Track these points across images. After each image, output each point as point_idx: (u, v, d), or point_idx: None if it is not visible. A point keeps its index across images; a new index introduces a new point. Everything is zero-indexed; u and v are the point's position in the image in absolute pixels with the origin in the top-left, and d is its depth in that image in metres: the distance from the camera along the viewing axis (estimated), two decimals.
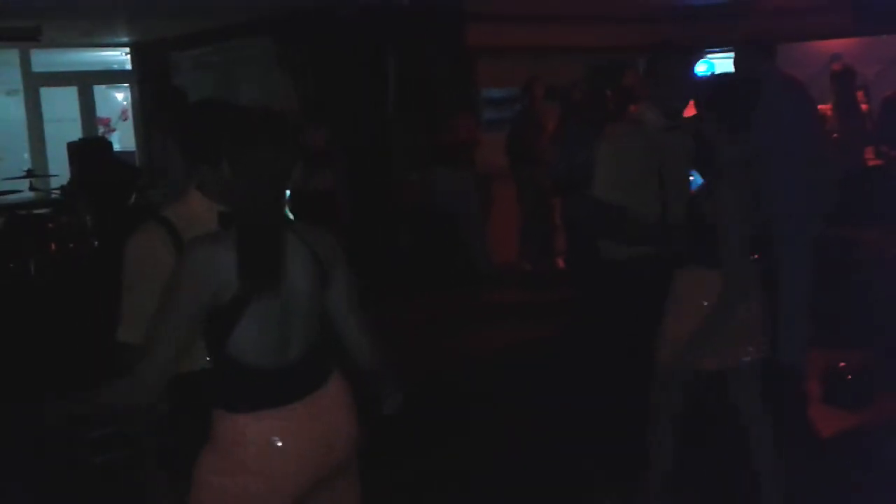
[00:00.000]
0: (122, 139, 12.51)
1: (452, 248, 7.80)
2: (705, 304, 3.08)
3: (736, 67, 5.49)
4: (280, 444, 2.11)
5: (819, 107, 6.25)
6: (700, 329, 3.06)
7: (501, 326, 6.37)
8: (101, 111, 12.31)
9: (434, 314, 6.96)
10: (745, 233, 3.08)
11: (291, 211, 6.08)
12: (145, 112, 10.86)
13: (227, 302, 2.05)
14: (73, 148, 7.76)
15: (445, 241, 7.79)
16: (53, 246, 6.52)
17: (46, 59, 11.67)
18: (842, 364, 4.77)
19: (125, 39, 11.09)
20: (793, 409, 4.71)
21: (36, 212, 7.38)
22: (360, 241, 7.24)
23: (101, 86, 12.39)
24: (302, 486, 2.15)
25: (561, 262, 7.45)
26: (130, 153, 10.94)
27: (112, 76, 12.50)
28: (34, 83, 11.75)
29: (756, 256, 5.07)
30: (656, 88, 3.27)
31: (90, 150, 7.42)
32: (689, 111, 7.26)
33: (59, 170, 9.28)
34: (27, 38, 8.72)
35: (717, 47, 9.67)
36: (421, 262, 7.67)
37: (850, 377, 4.71)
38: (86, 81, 12.08)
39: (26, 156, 11.29)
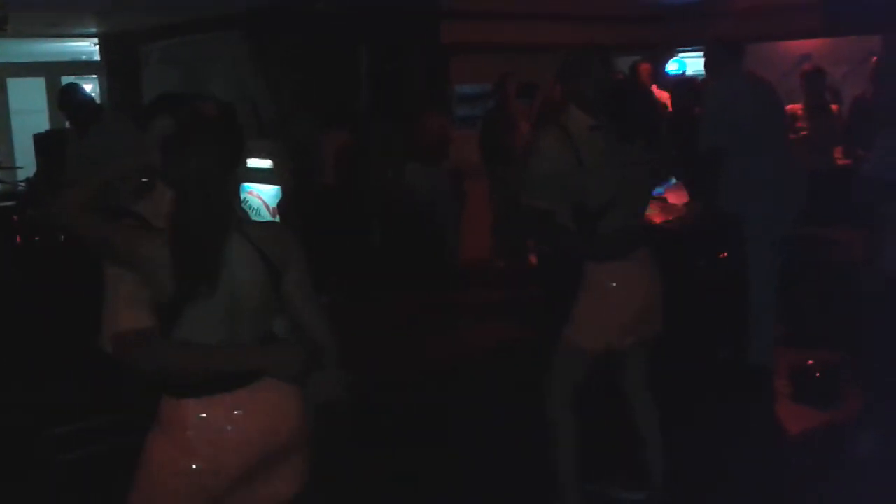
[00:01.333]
0: None
1: (426, 246, 7.78)
2: (622, 288, 3.29)
3: (705, 66, 5.54)
4: (225, 429, 2.16)
5: (789, 106, 6.32)
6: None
7: (474, 324, 6.36)
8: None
9: (406, 313, 6.94)
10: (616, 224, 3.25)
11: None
12: (114, 104, 10.72)
13: (170, 297, 2.09)
14: (39, 139, 7.64)
15: (419, 238, 7.76)
16: (18, 239, 6.41)
17: (13, 50, 11.46)
18: (810, 363, 4.82)
19: (94, 30, 10.93)
20: (762, 408, 4.75)
21: (1, 204, 7.26)
22: (332, 238, 7.20)
23: (69, 77, 12.22)
24: (245, 470, 2.21)
25: (534, 260, 7.46)
26: None
27: (80, 67, 12.33)
28: (0, 73, 11.56)
29: (723, 256, 5.14)
30: (580, 89, 3.32)
31: (57, 141, 7.30)
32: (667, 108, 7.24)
33: (26, 162, 9.13)
34: None
35: (688, 47, 9.74)
36: (394, 259, 7.64)
37: (818, 376, 4.75)
38: (53, 72, 11.91)
39: None
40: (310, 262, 2.35)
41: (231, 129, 2.19)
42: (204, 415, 2.16)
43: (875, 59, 6.24)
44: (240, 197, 2.45)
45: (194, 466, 2.15)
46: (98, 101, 12.14)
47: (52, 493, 3.65)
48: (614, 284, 3.31)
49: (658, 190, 5.34)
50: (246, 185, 8.58)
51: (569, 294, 3.37)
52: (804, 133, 6.60)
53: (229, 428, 2.17)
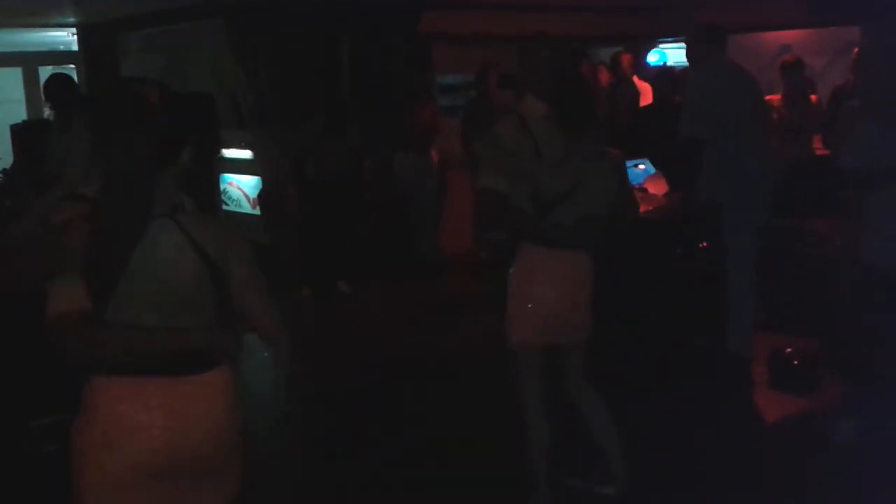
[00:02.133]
0: None
1: (411, 236, 7.78)
2: (548, 283, 3.30)
3: (688, 56, 5.56)
4: (127, 412, 2.11)
5: (768, 97, 6.34)
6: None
7: (457, 315, 6.36)
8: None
9: (391, 303, 6.95)
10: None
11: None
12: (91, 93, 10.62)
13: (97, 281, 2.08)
14: (16, 130, 7.56)
15: (404, 228, 7.76)
16: None
17: None
18: (788, 350, 4.86)
19: (72, 19, 10.81)
20: (740, 395, 4.79)
21: None
22: (316, 229, 7.18)
23: (46, 67, 12.10)
24: (151, 468, 2.13)
25: (483, 256, 7.45)
26: None
27: (58, 57, 12.20)
28: None
29: (702, 245, 5.17)
30: (534, 79, 3.36)
31: (34, 132, 7.22)
32: (647, 99, 7.30)
33: (2, 152, 9.04)
34: None
35: (669, 38, 9.77)
36: (379, 250, 7.64)
37: (796, 363, 4.79)
38: (31, 62, 11.79)
39: None
40: (293, 252, 2.33)
41: (172, 119, 2.16)
42: (116, 395, 2.12)
43: (856, 49, 6.26)
44: (214, 185, 2.44)
45: (97, 447, 2.12)
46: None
47: (29, 486, 3.63)
48: (539, 276, 3.31)
49: (637, 180, 5.36)
50: (226, 175, 8.55)
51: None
52: (783, 123, 6.63)
53: (129, 412, 2.11)
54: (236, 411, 2.28)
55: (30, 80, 11.70)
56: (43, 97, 6.15)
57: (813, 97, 7.05)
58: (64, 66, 12.24)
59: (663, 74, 7.40)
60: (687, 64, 5.83)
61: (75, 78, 11.95)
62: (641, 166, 5.52)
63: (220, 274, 2.22)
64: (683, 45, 5.48)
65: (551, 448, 3.45)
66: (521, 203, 3.26)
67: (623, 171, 3.53)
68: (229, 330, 2.27)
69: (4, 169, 7.46)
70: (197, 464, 2.20)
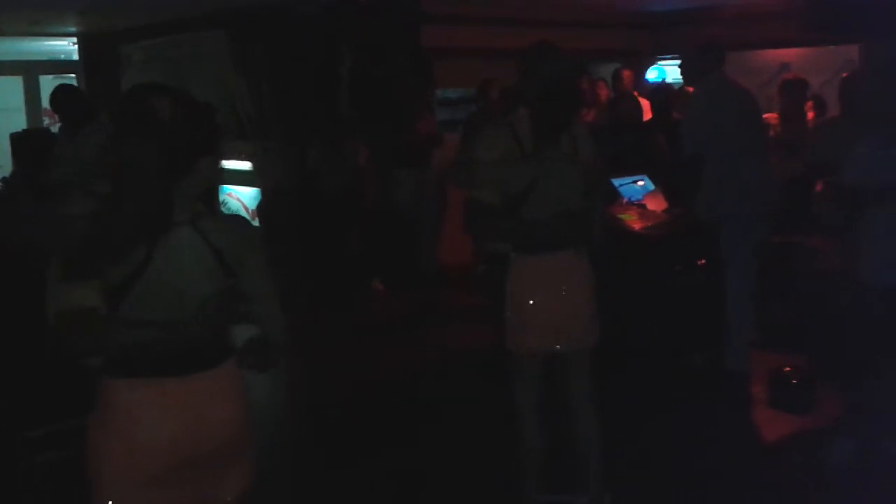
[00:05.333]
0: None
1: (410, 249, 7.78)
2: (543, 289, 3.31)
3: (682, 74, 5.59)
4: (147, 414, 2.15)
5: (766, 115, 6.36)
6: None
7: (454, 328, 6.36)
8: (48, 102, 12.04)
9: (389, 316, 6.94)
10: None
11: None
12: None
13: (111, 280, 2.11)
14: (15, 139, 7.56)
15: (403, 241, 7.77)
16: None
17: None
18: (787, 369, 4.85)
19: (73, 29, 10.85)
20: (738, 413, 4.78)
21: None
22: (316, 242, 7.18)
23: (46, 76, 12.12)
24: (171, 466, 2.18)
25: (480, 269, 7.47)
26: None
27: (59, 66, 12.22)
28: None
29: (701, 262, 5.18)
30: (524, 84, 3.43)
31: (34, 141, 7.23)
32: (645, 115, 7.34)
33: (2, 161, 9.04)
34: None
35: (668, 54, 9.80)
36: (377, 262, 7.64)
37: (794, 382, 4.79)
38: (31, 71, 11.81)
39: None
40: (292, 264, 2.37)
41: (184, 130, 2.16)
42: (133, 396, 2.16)
43: (845, 74, 6.23)
44: (212, 196, 2.47)
45: (115, 449, 2.15)
46: None
47: (27, 495, 3.61)
48: (534, 282, 3.32)
49: (636, 196, 5.37)
50: (225, 186, 8.55)
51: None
52: (779, 140, 6.65)
53: (149, 414, 2.15)
54: (246, 404, 2.34)
55: (30, 88, 11.72)
56: (46, 107, 6.16)
57: (810, 115, 7.07)
58: (64, 75, 12.28)
59: (661, 91, 7.43)
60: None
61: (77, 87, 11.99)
62: (640, 182, 5.53)
63: (236, 280, 2.26)
64: (678, 62, 5.51)
65: (544, 457, 3.45)
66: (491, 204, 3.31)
67: (593, 182, 3.48)
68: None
69: (4, 178, 7.46)
70: (214, 456, 2.25)
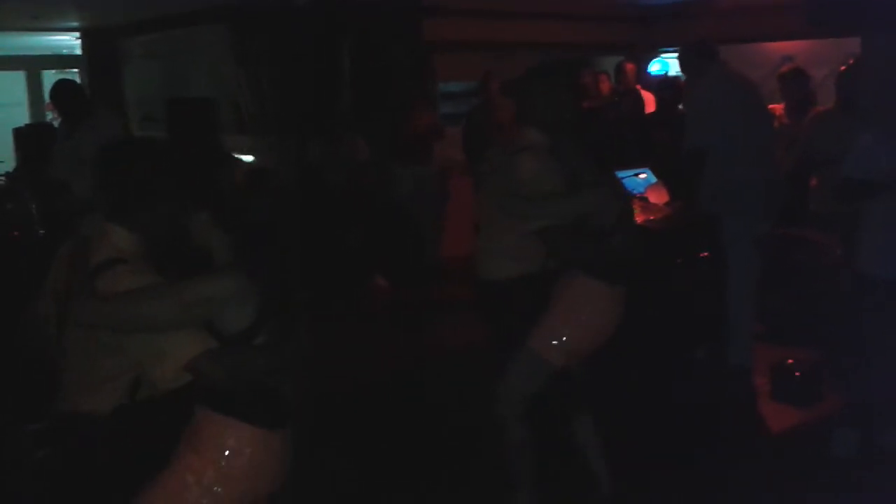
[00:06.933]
0: None
1: (411, 245, 7.77)
2: (597, 315, 3.34)
3: (681, 68, 5.58)
4: (245, 459, 2.25)
5: (772, 106, 6.34)
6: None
7: (458, 323, 6.35)
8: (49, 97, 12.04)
9: (390, 311, 6.94)
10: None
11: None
12: (94, 98, 10.64)
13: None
14: (18, 134, 7.57)
15: (404, 237, 7.75)
16: None
17: None
18: (790, 361, 4.85)
19: (76, 24, 10.84)
20: (741, 406, 4.78)
21: None
22: (313, 237, 7.16)
23: (49, 71, 12.12)
24: (244, 498, 2.30)
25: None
26: None
27: (61, 61, 12.23)
28: None
29: (704, 255, 5.16)
30: (534, 109, 3.36)
31: (36, 136, 7.24)
32: (649, 108, 7.31)
33: (4, 156, 9.05)
34: None
35: (671, 47, 9.78)
36: (376, 258, 7.63)
37: (798, 374, 4.78)
38: (34, 66, 11.81)
39: None
40: (292, 259, 2.40)
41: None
42: (233, 440, 2.24)
43: (843, 67, 6.19)
44: None
45: (210, 481, 2.22)
46: None
47: (26, 490, 3.62)
48: (593, 305, 3.33)
49: (638, 189, 5.36)
50: None
51: (533, 307, 3.37)
52: (784, 132, 6.62)
53: (249, 462, 2.25)
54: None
55: (33, 83, 11.73)
56: (47, 101, 6.17)
57: (814, 109, 7.04)
58: (67, 70, 12.28)
59: (666, 84, 7.41)
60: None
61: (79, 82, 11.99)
62: (643, 175, 5.52)
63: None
64: (676, 56, 5.50)
65: (534, 453, 3.46)
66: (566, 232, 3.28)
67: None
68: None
69: (7, 172, 7.46)
70: (272, 493, 2.39)
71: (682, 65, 5.43)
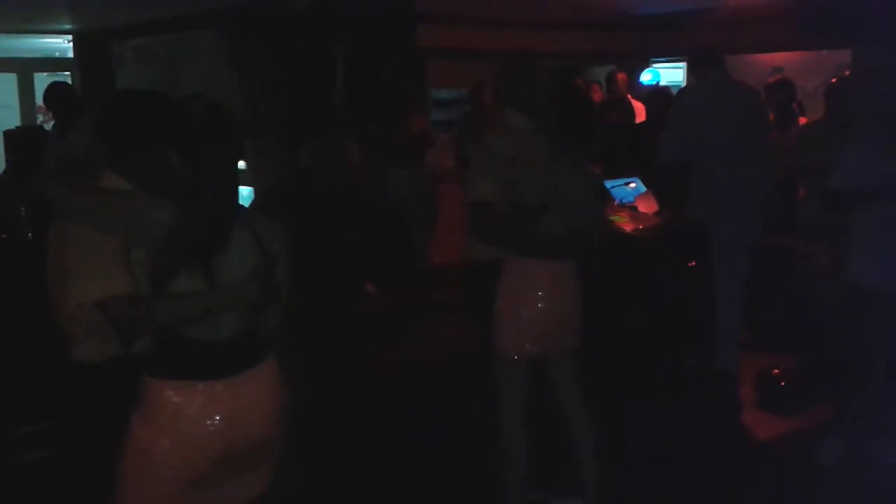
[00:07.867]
0: None
1: (402, 248, 7.77)
2: (540, 293, 3.32)
3: (689, 69, 5.63)
4: (195, 415, 2.21)
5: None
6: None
7: (448, 327, 6.36)
8: (42, 99, 12.02)
9: (381, 315, 6.94)
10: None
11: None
12: (86, 101, 10.63)
13: (164, 265, 2.22)
14: (9, 136, 7.55)
15: (394, 241, 7.76)
16: None
17: None
18: (776, 371, 4.87)
19: (68, 27, 10.83)
20: (727, 414, 4.80)
21: None
22: (307, 240, 7.16)
23: (41, 73, 12.10)
24: (214, 462, 2.24)
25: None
26: None
27: (53, 64, 12.21)
28: None
29: (692, 265, 5.19)
30: (518, 95, 3.41)
31: (27, 138, 7.22)
32: (640, 118, 7.37)
33: None
34: None
35: (662, 57, 9.83)
36: (369, 262, 7.63)
37: (784, 384, 4.81)
38: (25, 69, 11.80)
39: None
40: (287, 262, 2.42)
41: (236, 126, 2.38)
42: (177, 399, 2.20)
43: (833, 80, 6.24)
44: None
45: (164, 448, 2.19)
46: None
47: (16, 494, 3.61)
48: (530, 287, 3.33)
49: (628, 198, 5.39)
50: None
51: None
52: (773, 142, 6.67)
53: (198, 416, 2.21)
54: (282, 391, 2.41)
55: (24, 86, 11.71)
56: (40, 104, 6.16)
57: (802, 119, 7.09)
58: (59, 73, 12.26)
59: (657, 93, 7.43)
60: (683, 83, 5.90)
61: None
62: (632, 184, 5.54)
63: (272, 267, 2.33)
64: (682, 64, 5.55)
65: (528, 458, 3.46)
66: (506, 212, 3.28)
67: (600, 189, 3.56)
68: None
69: None
70: (252, 455, 2.32)
71: (690, 64, 5.49)
